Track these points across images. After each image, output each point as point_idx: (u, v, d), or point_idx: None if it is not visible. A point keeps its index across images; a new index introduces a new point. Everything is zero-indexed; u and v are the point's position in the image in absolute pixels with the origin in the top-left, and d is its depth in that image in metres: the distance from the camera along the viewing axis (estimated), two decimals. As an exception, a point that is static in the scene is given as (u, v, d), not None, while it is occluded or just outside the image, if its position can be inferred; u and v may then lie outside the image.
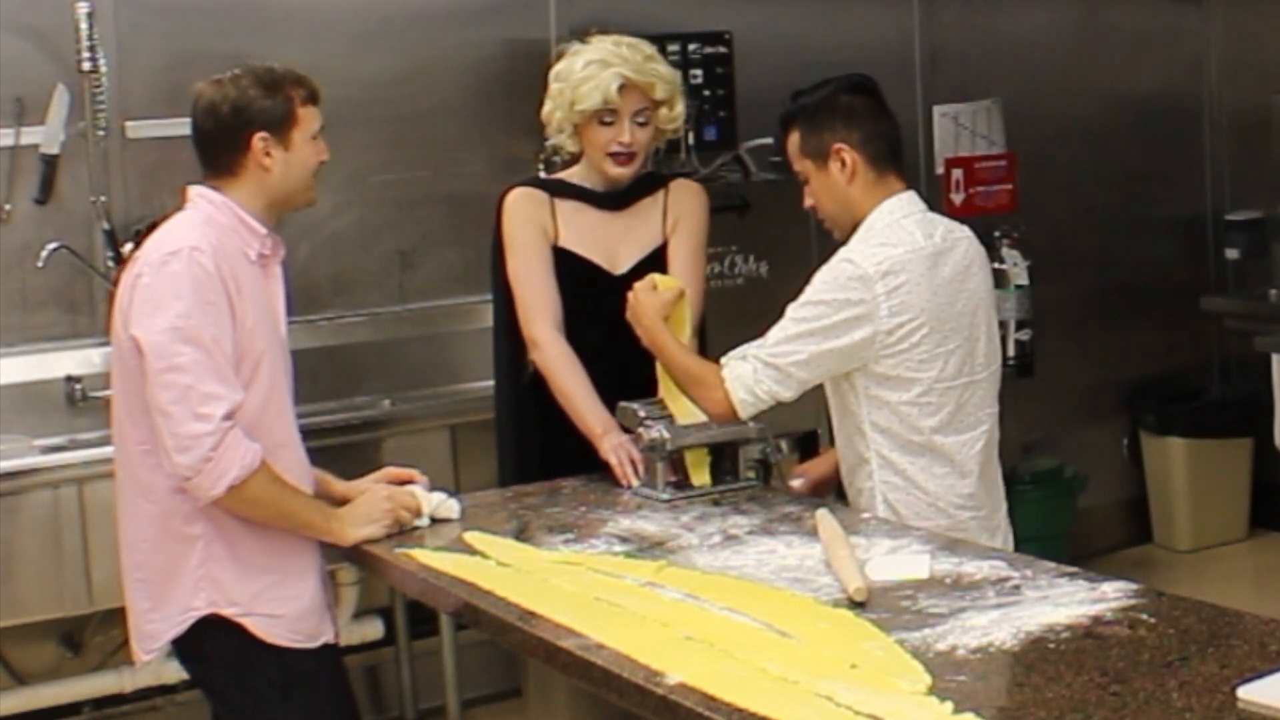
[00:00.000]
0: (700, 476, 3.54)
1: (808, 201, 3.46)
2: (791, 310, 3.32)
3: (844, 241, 3.38)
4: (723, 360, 3.39)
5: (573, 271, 3.79)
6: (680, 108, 3.80)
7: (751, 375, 3.32)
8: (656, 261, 3.82)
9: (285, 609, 3.23)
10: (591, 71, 3.70)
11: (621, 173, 3.78)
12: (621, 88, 3.68)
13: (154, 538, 3.20)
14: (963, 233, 3.44)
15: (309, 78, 3.30)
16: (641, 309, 3.55)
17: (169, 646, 3.26)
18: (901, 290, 3.25)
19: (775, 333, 3.33)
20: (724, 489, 3.53)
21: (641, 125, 3.74)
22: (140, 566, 3.24)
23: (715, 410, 3.42)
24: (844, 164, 3.35)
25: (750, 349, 3.35)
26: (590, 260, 3.81)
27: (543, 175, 4.07)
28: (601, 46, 3.75)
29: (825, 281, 3.29)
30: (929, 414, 3.31)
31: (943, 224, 3.42)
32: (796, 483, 3.64)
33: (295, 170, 3.26)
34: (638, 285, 3.58)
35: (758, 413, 3.40)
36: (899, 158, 3.43)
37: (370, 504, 3.31)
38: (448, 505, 3.40)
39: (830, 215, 3.42)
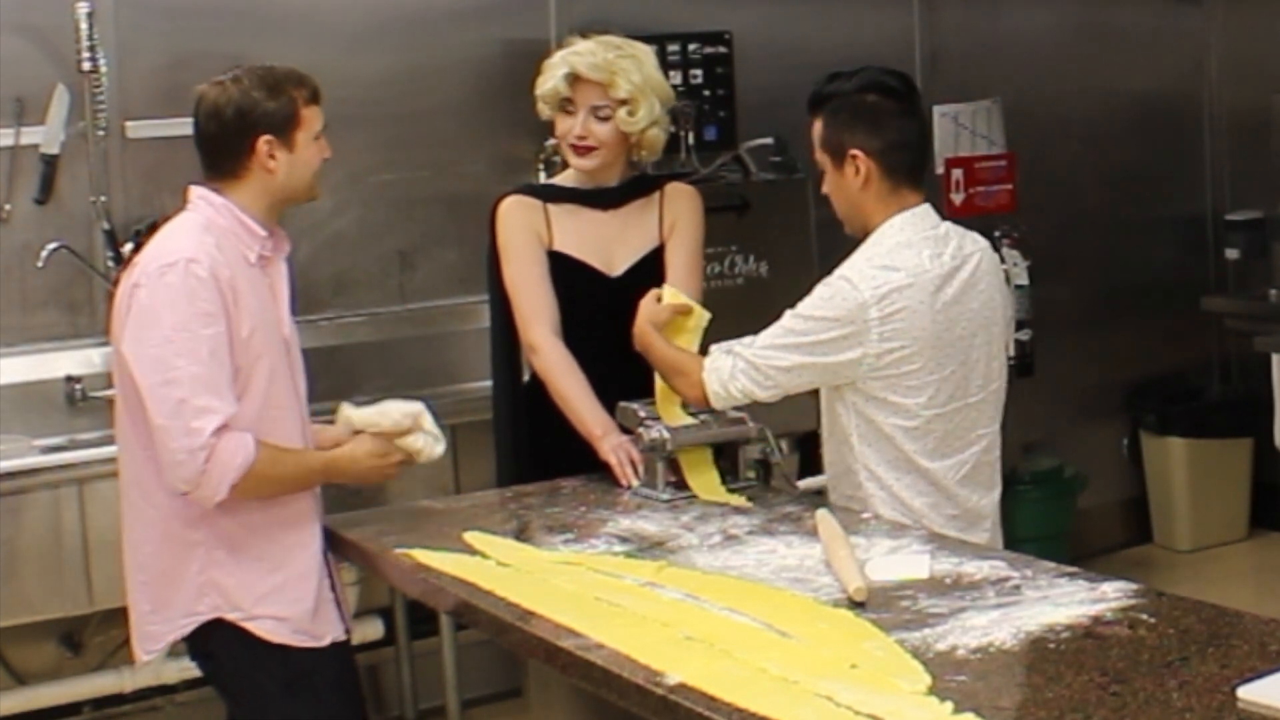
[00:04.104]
0: (700, 482, 3.51)
1: (825, 188, 3.41)
2: (786, 318, 3.30)
3: (854, 238, 3.35)
4: (711, 349, 3.40)
5: (569, 275, 3.79)
6: (642, 113, 3.73)
7: (729, 370, 3.32)
8: (652, 264, 3.81)
9: (289, 611, 3.23)
10: (555, 61, 3.78)
11: (581, 164, 3.79)
12: (574, 81, 3.72)
13: (156, 541, 3.20)
14: (975, 246, 3.37)
15: (309, 77, 3.29)
16: (637, 315, 3.55)
17: (170, 646, 3.26)
18: (896, 318, 3.20)
19: (765, 335, 3.31)
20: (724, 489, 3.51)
21: (602, 120, 3.74)
22: (142, 568, 3.24)
23: (690, 395, 3.44)
24: (858, 170, 3.29)
25: (738, 345, 3.34)
26: (586, 263, 3.81)
27: (534, 182, 4.08)
28: (582, 42, 3.79)
29: (822, 298, 3.25)
30: (915, 438, 3.28)
31: (955, 239, 3.34)
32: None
33: (299, 170, 3.25)
34: (644, 301, 3.57)
35: (730, 406, 3.42)
36: (920, 169, 3.36)
37: (371, 443, 3.30)
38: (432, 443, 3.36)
39: (842, 214, 3.39)
